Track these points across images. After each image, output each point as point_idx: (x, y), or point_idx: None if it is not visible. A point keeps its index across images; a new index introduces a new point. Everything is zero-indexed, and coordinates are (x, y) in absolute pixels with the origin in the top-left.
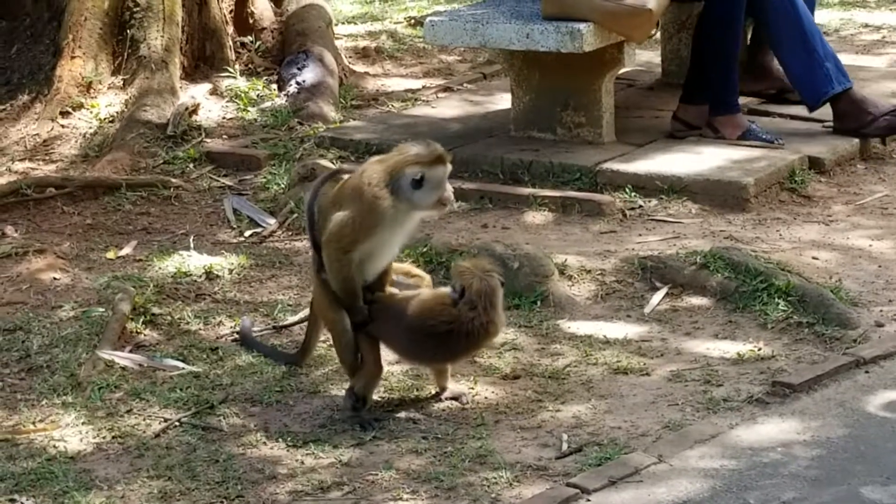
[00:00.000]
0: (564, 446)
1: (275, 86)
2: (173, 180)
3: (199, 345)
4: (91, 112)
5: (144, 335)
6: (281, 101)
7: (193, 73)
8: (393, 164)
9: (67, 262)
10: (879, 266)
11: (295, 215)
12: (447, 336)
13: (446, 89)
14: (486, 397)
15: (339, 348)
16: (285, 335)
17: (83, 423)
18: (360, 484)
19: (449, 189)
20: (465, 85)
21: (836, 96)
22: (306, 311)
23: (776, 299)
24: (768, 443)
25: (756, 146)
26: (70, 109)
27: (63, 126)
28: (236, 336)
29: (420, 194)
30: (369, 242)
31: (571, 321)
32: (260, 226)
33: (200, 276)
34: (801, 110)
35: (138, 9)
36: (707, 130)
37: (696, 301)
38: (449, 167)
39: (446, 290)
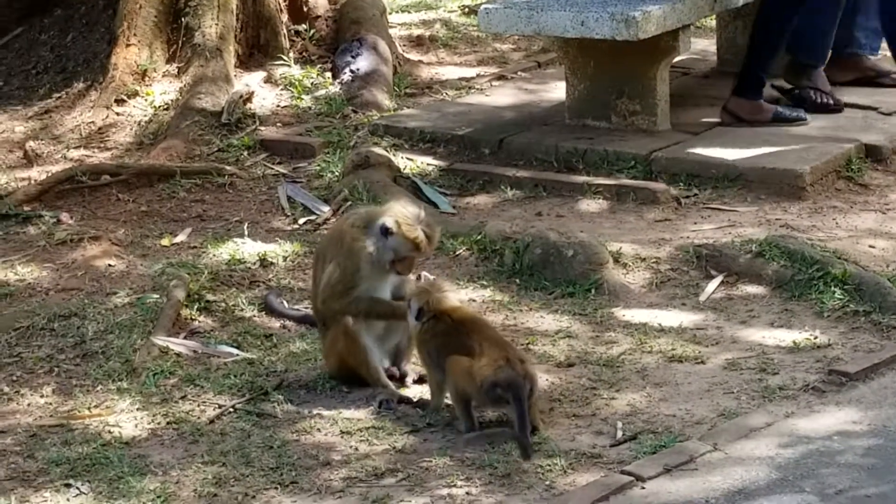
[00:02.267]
0: (619, 434)
1: (329, 74)
2: (227, 168)
3: (254, 331)
4: (146, 100)
5: (199, 322)
6: (335, 89)
7: (248, 62)
8: (374, 213)
9: (122, 249)
10: None
11: (349, 203)
12: None
13: (500, 77)
14: (540, 385)
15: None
16: None
17: (138, 409)
18: (414, 470)
19: (414, 264)
20: (519, 73)
21: None
22: None
23: (832, 287)
24: (824, 431)
25: (786, 124)
26: (125, 97)
27: (118, 114)
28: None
29: (386, 243)
30: (362, 284)
31: (626, 309)
32: (314, 213)
33: (255, 264)
34: (858, 98)
35: None
36: (725, 115)
37: (752, 289)
38: (427, 238)
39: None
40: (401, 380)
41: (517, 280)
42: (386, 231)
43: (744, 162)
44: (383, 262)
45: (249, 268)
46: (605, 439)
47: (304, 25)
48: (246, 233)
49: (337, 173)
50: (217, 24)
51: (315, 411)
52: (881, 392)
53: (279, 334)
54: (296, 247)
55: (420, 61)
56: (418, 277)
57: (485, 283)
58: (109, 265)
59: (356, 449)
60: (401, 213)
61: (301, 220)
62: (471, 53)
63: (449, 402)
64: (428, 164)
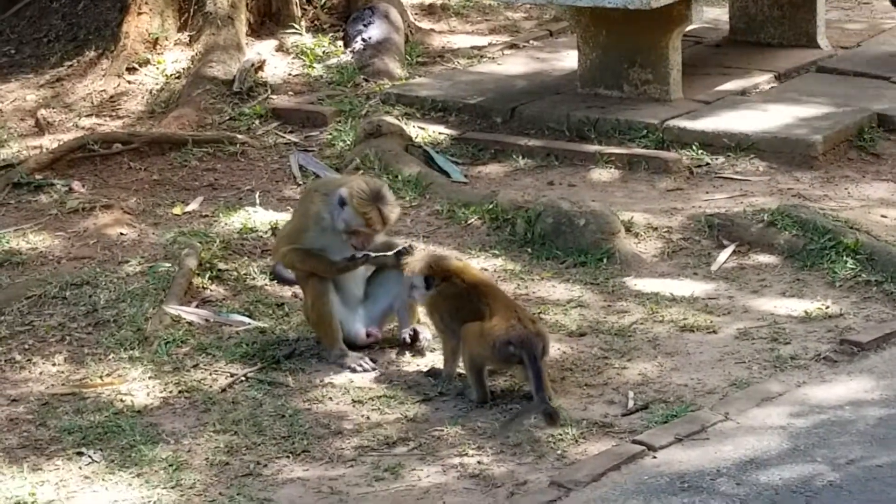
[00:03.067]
0: (630, 403)
1: (340, 42)
2: (239, 136)
3: (265, 300)
4: (157, 68)
5: (210, 290)
6: (347, 57)
7: (259, 30)
8: (338, 182)
9: (134, 218)
10: None
11: (361, 171)
12: None
13: (512, 46)
14: (552, 355)
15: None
16: None
17: (150, 378)
18: (426, 439)
19: (369, 241)
20: (531, 42)
21: None
22: None
23: (844, 257)
24: (836, 401)
25: None
26: (136, 65)
27: (129, 82)
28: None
29: (340, 213)
30: (306, 244)
31: (638, 278)
32: None
33: (266, 232)
34: (869, 68)
35: None
36: None
37: (764, 259)
38: (380, 216)
39: None
40: (412, 343)
41: (529, 249)
42: (341, 201)
43: (756, 131)
44: (337, 230)
45: (261, 236)
46: (616, 409)
47: None
48: (258, 201)
49: (349, 142)
50: None
51: (326, 380)
52: (893, 362)
53: (290, 303)
54: None
55: (432, 30)
56: (404, 251)
57: (496, 252)
58: (121, 234)
59: (368, 418)
60: (359, 188)
61: None
62: (483, 22)
63: (461, 371)
64: (440, 133)
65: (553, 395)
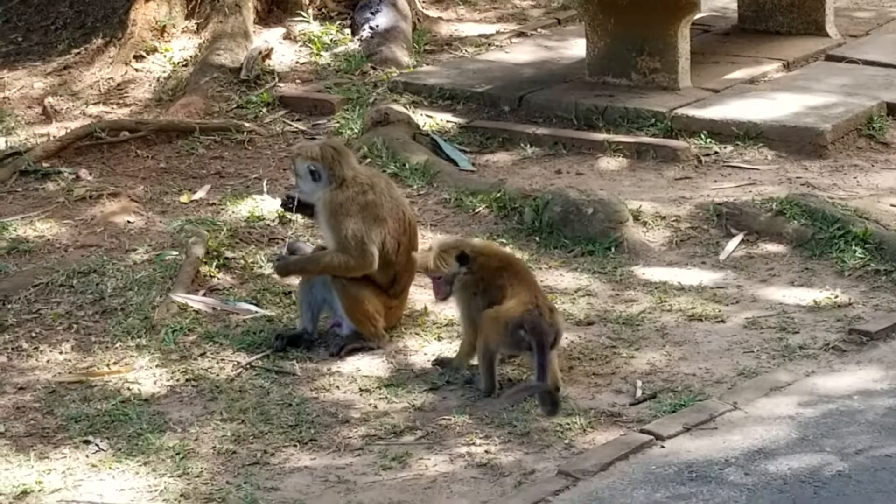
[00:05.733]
0: (638, 393)
1: (348, 30)
2: (246, 124)
3: (272, 289)
4: (165, 56)
5: (218, 279)
6: (354, 45)
7: (266, 18)
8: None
9: (141, 206)
10: None
11: (368, 160)
12: None
13: (520, 34)
14: (560, 344)
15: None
16: None
17: (157, 366)
18: (433, 428)
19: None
20: (539, 30)
21: None
22: None
23: (853, 246)
24: (845, 391)
25: None
26: (144, 53)
27: (137, 70)
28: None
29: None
30: None
31: (646, 267)
32: None
33: (273, 221)
34: (878, 57)
35: None
36: None
37: (772, 248)
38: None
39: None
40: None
41: (537, 238)
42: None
43: (765, 120)
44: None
45: (268, 225)
46: (624, 398)
47: None
48: (265, 189)
49: (356, 130)
50: None
51: (334, 369)
52: None
53: (297, 291)
54: None
55: (439, 18)
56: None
57: (504, 240)
58: (128, 222)
59: (375, 407)
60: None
61: None
62: (490, 10)
63: (474, 363)
64: (447, 122)
65: (561, 385)
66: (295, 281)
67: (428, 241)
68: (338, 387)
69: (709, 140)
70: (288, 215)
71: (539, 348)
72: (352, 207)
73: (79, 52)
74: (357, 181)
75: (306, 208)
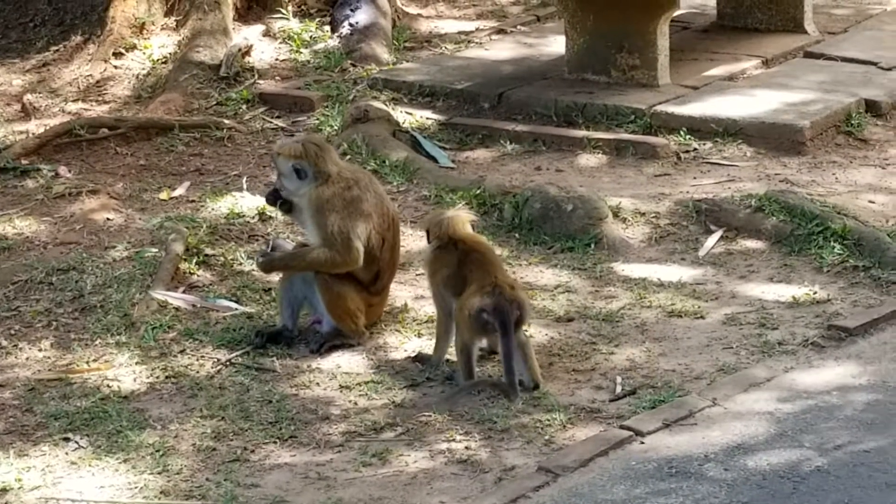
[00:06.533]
0: (618, 389)
1: (327, 27)
2: (226, 121)
3: (252, 285)
4: (144, 53)
5: (197, 276)
6: (334, 42)
7: (246, 15)
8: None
9: (120, 203)
10: None
11: (348, 157)
12: None
13: (500, 31)
14: (539, 340)
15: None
16: None
17: (136, 363)
18: (413, 425)
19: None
20: (518, 27)
21: None
22: None
23: (832, 243)
24: (824, 386)
25: None
26: (123, 50)
27: (116, 67)
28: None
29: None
30: None
31: (625, 264)
32: None
33: (253, 217)
34: (856, 54)
35: None
36: None
37: (751, 244)
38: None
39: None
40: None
41: (516, 234)
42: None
43: (744, 117)
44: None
45: (248, 221)
46: (604, 394)
47: None
48: (245, 186)
49: (336, 127)
50: None
51: (314, 366)
52: (880, 347)
53: (278, 288)
54: None
55: (419, 15)
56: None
57: (484, 237)
58: (108, 219)
59: (355, 403)
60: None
61: None
62: (470, 7)
63: (449, 356)
64: (427, 119)
65: (541, 382)
66: (275, 278)
67: (408, 238)
68: (318, 383)
69: (688, 137)
70: (271, 210)
71: (502, 328)
72: (337, 203)
73: (58, 49)
74: (342, 177)
75: (288, 205)
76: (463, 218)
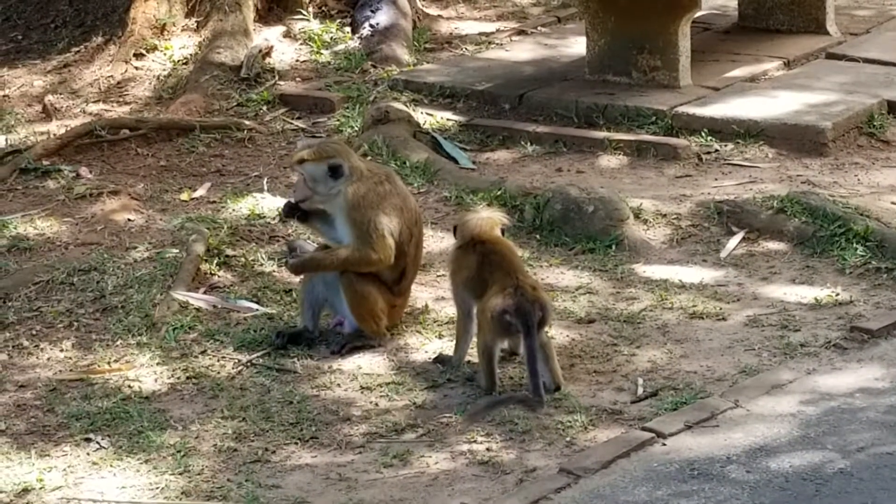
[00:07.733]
0: (640, 390)
1: (348, 28)
2: (247, 122)
3: (273, 286)
4: (165, 54)
5: (218, 276)
6: (354, 43)
7: (267, 16)
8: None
9: (141, 204)
10: None
11: (369, 158)
12: None
13: (520, 32)
14: (561, 341)
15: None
16: None
17: (158, 364)
18: (434, 426)
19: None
20: (539, 28)
21: None
22: None
23: (854, 244)
24: (846, 388)
25: None
26: (144, 51)
27: (137, 68)
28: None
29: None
30: None
31: (647, 265)
32: None
33: (274, 219)
34: (879, 55)
35: None
36: None
37: (773, 246)
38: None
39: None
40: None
41: (537, 236)
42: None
43: (765, 118)
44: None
45: (269, 223)
46: (625, 396)
47: None
48: (265, 187)
49: (356, 128)
50: None
51: (335, 367)
52: None
53: (298, 289)
54: None
55: (439, 16)
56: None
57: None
58: (129, 220)
59: (376, 404)
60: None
61: None
62: (490, 8)
63: (470, 358)
64: (448, 120)
65: (563, 383)
66: (296, 279)
67: (428, 239)
68: (339, 384)
69: (709, 138)
70: (291, 223)
71: (525, 329)
72: (373, 198)
73: (79, 50)
74: (372, 172)
75: (304, 215)
76: (493, 220)
